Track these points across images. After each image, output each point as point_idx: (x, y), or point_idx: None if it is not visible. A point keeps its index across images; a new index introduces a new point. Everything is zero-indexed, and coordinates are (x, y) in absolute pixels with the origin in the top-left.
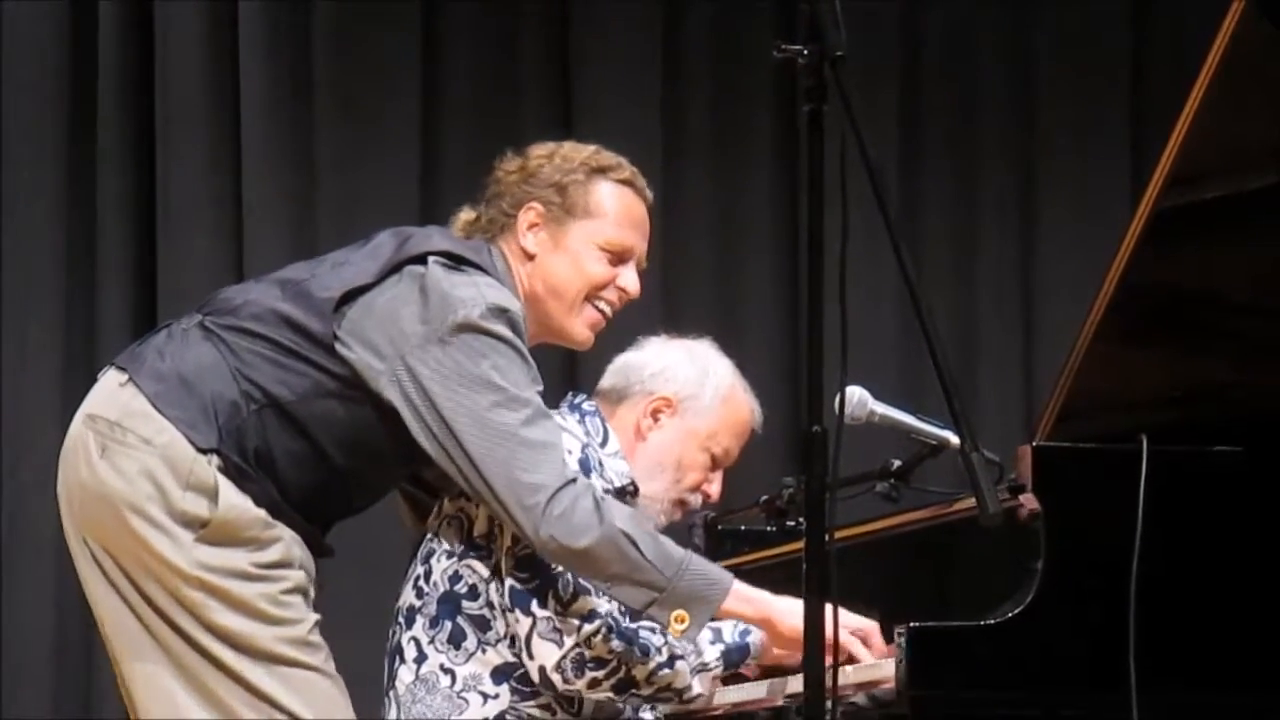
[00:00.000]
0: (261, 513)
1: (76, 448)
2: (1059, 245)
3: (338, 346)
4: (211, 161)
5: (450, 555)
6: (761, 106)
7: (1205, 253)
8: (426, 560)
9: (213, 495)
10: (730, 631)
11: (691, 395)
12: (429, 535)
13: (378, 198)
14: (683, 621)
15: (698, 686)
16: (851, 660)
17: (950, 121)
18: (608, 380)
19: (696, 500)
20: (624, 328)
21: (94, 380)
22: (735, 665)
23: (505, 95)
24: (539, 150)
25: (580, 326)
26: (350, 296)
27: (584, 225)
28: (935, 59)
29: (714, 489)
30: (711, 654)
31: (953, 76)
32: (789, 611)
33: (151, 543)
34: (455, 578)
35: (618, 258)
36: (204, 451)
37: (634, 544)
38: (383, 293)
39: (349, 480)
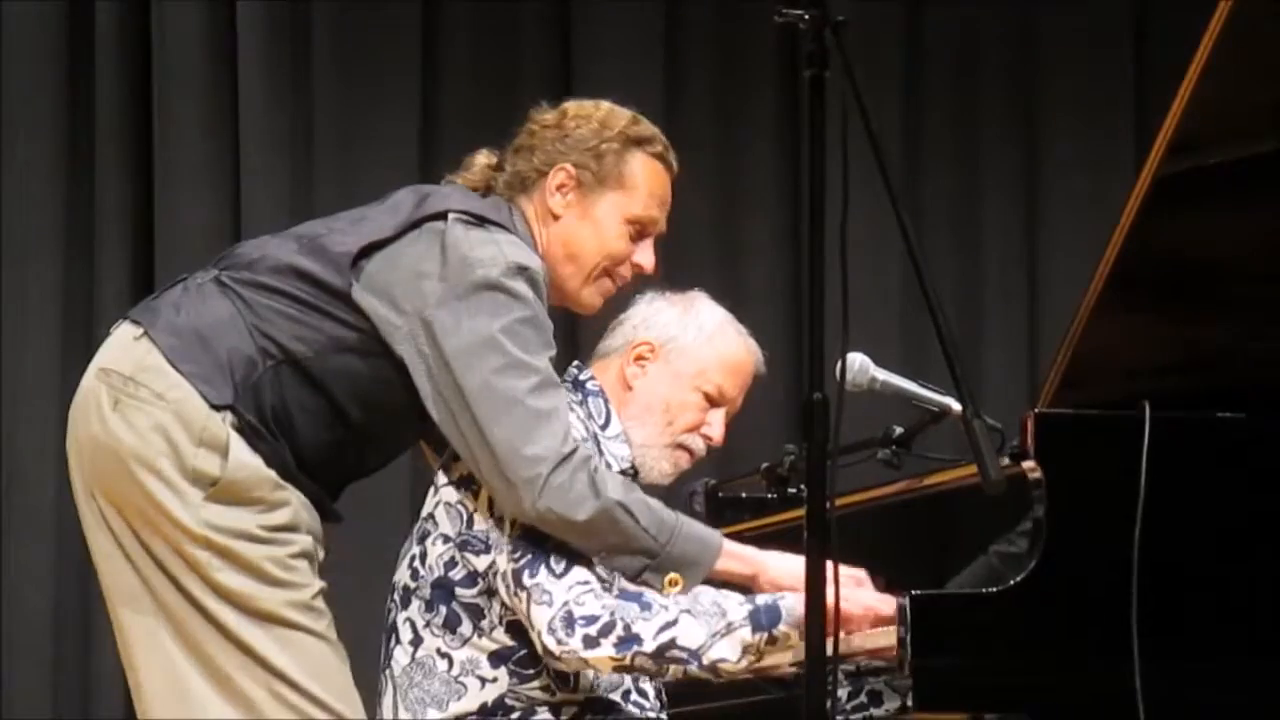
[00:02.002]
0: (271, 474)
1: (88, 401)
2: (1062, 212)
3: (354, 296)
4: (209, 126)
5: (446, 541)
6: (763, 72)
7: (1207, 219)
8: (422, 541)
9: (224, 452)
10: (764, 595)
11: (673, 336)
12: (425, 514)
13: (376, 162)
14: (676, 585)
15: (723, 650)
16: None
17: (953, 88)
18: (600, 344)
19: (699, 444)
20: (626, 295)
21: (92, 347)
22: (766, 628)
23: (506, 62)
24: (577, 108)
25: (592, 295)
26: (368, 250)
27: (614, 196)
28: (938, 25)
29: (715, 431)
30: (738, 613)
31: (956, 43)
32: (777, 566)
33: (160, 499)
34: (451, 564)
35: (639, 233)
36: (218, 409)
37: (629, 513)
38: (402, 248)
39: (364, 438)
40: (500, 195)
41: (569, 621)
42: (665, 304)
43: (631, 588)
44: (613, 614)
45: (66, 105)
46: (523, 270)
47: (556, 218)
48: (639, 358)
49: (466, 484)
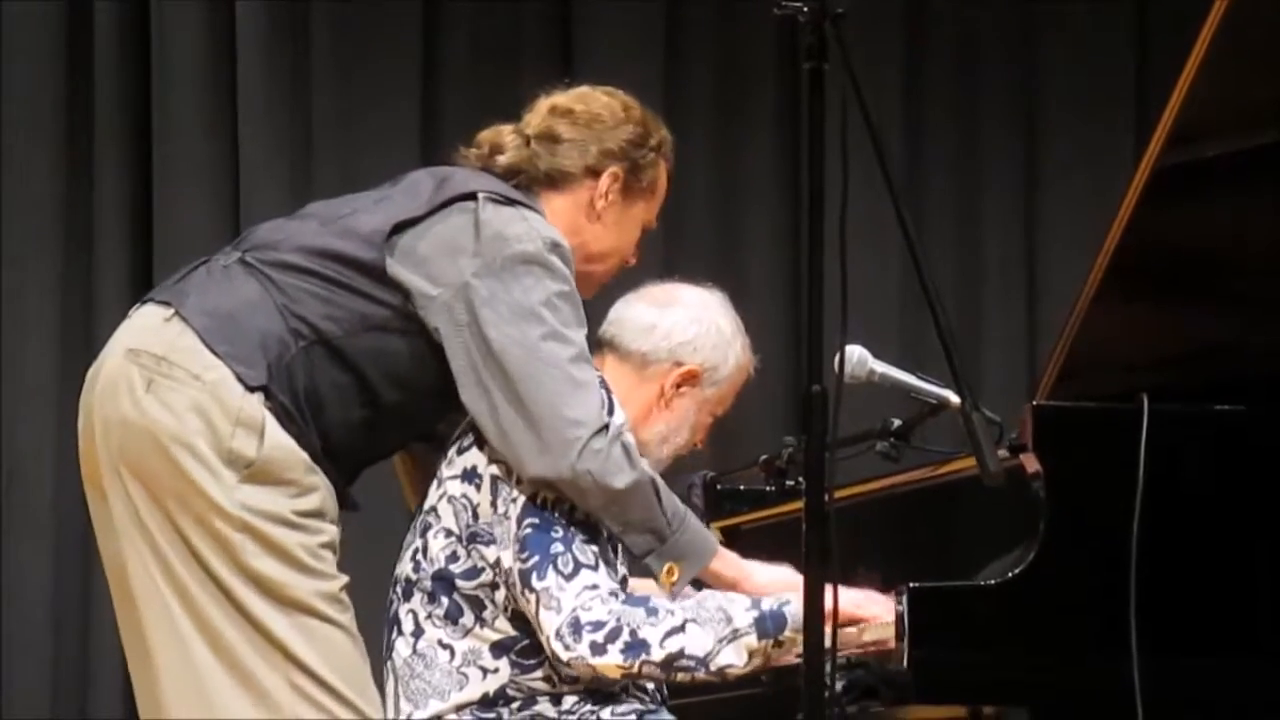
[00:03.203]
0: (304, 456)
1: (117, 382)
2: (1062, 208)
3: (389, 270)
4: (209, 125)
5: (449, 534)
6: (763, 69)
7: (1206, 211)
8: (424, 533)
9: (260, 433)
10: (768, 600)
11: (714, 367)
12: (427, 507)
13: (376, 161)
14: (673, 575)
15: (730, 656)
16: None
17: (954, 83)
18: (627, 337)
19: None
20: (624, 284)
21: (92, 345)
22: (772, 635)
23: (506, 62)
24: (610, 105)
25: (600, 285)
26: (400, 228)
27: (643, 204)
28: (939, 19)
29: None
30: (743, 620)
31: (956, 36)
32: (762, 575)
33: (196, 479)
34: (452, 557)
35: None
36: (253, 390)
37: (657, 492)
38: (434, 225)
39: (393, 418)
40: (525, 182)
41: (576, 628)
42: (708, 329)
43: (638, 593)
44: (619, 619)
45: (66, 105)
46: (557, 246)
47: (599, 217)
48: (681, 384)
49: (470, 477)
